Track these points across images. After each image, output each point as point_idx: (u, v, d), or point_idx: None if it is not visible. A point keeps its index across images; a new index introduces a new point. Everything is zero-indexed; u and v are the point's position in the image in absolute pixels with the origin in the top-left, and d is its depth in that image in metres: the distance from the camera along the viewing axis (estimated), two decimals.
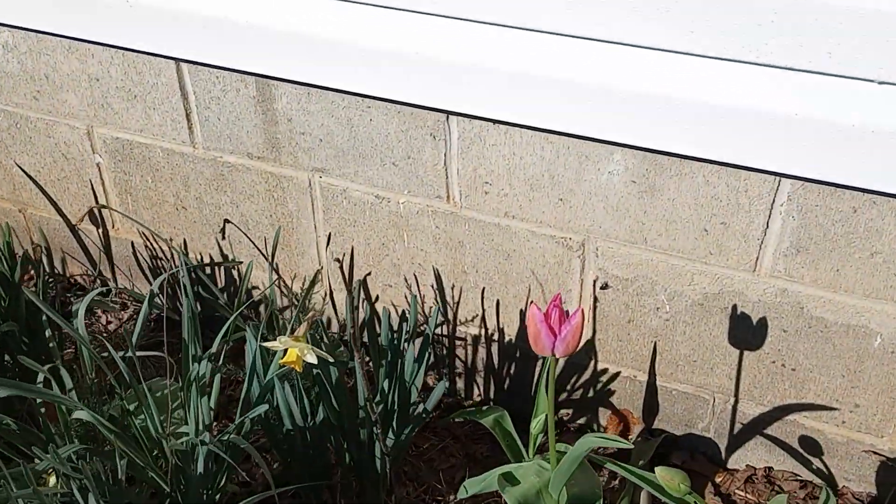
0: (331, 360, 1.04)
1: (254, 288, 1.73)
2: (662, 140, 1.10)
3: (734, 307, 1.28)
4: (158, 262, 1.79)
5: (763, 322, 1.28)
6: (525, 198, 1.31)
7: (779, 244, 1.18)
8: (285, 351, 1.01)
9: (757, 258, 1.21)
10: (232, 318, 1.27)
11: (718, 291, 1.27)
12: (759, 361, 1.33)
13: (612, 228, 1.28)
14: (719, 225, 1.20)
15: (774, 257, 1.20)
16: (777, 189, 1.13)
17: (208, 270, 1.75)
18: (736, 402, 1.40)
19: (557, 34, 1.08)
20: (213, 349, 1.23)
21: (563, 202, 1.28)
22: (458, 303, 1.52)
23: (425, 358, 1.29)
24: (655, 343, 1.39)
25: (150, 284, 1.85)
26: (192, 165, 1.56)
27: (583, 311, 0.92)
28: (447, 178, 1.35)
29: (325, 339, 1.58)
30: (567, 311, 0.94)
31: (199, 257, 1.73)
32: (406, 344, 1.30)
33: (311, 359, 0.99)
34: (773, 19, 0.93)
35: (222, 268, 1.73)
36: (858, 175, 1.00)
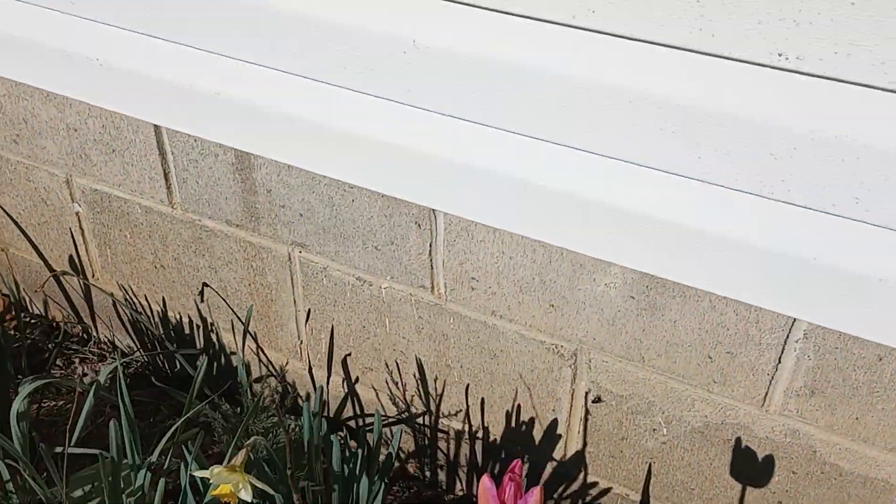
0: (272, 492, 0.93)
1: (232, 353, 1.64)
2: (664, 268, 0.98)
3: (738, 440, 1.15)
4: (138, 315, 1.72)
5: (770, 460, 1.15)
6: (514, 299, 1.20)
7: (791, 382, 1.05)
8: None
9: (766, 394, 1.08)
10: (181, 421, 1.17)
11: (721, 422, 1.15)
12: (764, 499, 1.19)
13: (606, 342, 1.16)
14: (725, 354, 1.08)
15: (786, 395, 1.07)
16: (792, 326, 1.00)
17: (187, 330, 1.67)
18: None
19: (550, 142, 0.97)
20: (154, 457, 1.13)
21: (554, 308, 1.17)
22: (440, 395, 1.41)
23: (380, 487, 1.17)
24: (650, 465, 1.27)
25: (130, 337, 1.78)
26: (171, 226, 1.47)
27: (541, 490, 0.80)
28: (432, 268, 1.24)
29: (303, 422, 1.48)
30: (524, 483, 0.82)
31: (177, 316, 1.65)
32: (362, 469, 1.19)
33: (246, 496, 0.89)
34: (792, 154, 0.81)
35: (200, 329, 1.64)
36: (881, 330, 0.87)
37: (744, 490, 1.20)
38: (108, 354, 1.84)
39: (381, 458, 1.24)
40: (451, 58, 0.96)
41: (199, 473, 0.92)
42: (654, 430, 1.21)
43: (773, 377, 1.06)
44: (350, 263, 1.31)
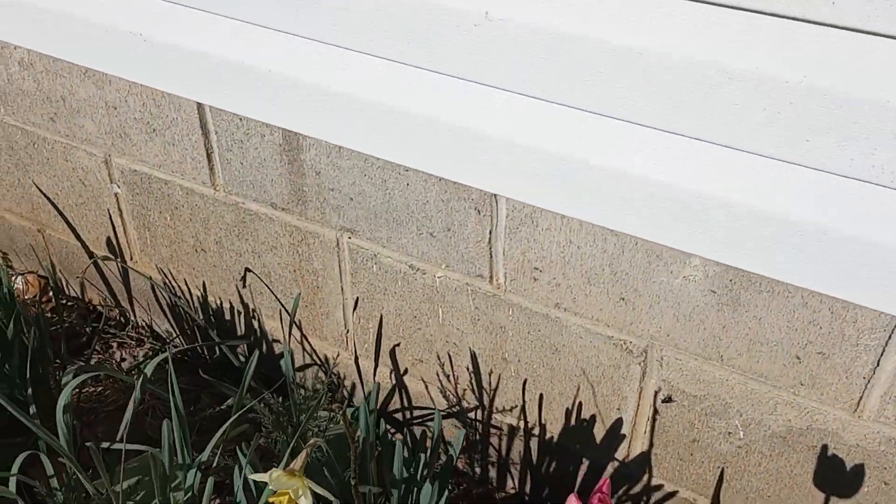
0: (331, 498, 0.88)
1: (275, 341, 1.59)
2: (752, 261, 0.91)
3: (825, 447, 1.08)
4: (177, 299, 1.67)
5: (860, 470, 1.07)
6: (581, 291, 1.12)
7: (891, 387, 0.97)
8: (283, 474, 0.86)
9: (860, 398, 1.00)
10: (231, 420, 1.12)
11: (807, 427, 1.07)
12: None
13: (681, 339, 1.08)
14: (815, 354, 1.00)
15: (883, 401, 0.99)
16: (895, 327, 0.92)
17: (228, 316, 1.62)
18: None
19: (632, 122, 0.89)
20: (205, 455, 1.08)
21: (625, 302, 1.10)
22: (495, 390, 1.34)
23: (444, 491, 1.11)
24: (723, 469, 1.19)
25: (169, 322, 1.74)
26: (213, 208, 1.42)
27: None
28: (491, 257, 1.17)
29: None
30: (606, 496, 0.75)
31: (218, 302, 1.60)
32: (423, 474, 1.13)
33: (306, 503, 0.84)
34: None
35: (241, 315, 1.60)
36: None
37: (827, 500, 1.13)
38: (146, 339, 1.80)
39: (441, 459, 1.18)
40: (528, 33, 0.89)
41: (256, 477, 0.86)
42: (730, 433, 1.14)
43: (869, 381, 0.98)
44: (402, 250, 1.25)
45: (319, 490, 0.86)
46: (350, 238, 1.30)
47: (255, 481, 1.06)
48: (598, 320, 1.14)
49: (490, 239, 1.15)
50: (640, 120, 0.90)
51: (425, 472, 1.09)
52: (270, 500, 0.85)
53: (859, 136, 0.77)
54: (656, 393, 1.17)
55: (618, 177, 0.93)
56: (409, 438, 1.51)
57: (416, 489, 1.08)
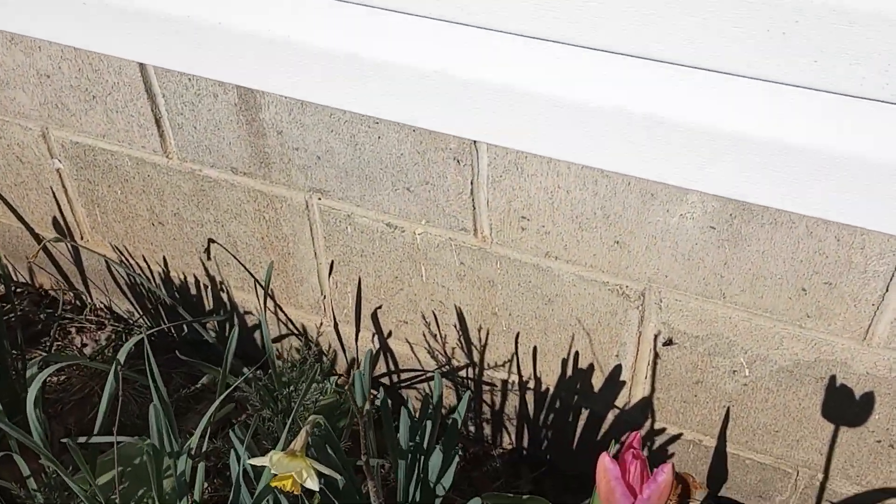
0: (338, 477, 0.85)
1: (246, 313, 1.55)
2: (754, 192, 0.88)
3: (833, 378, 1.08)
4: (137, 277, 1.62)
5: (869, 397, 1.07)
6: (572, 238, 1.10)
7: None
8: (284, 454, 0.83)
9: (869, 326, 1.00)
10: (217, 402, 1.08)
11: (814, 359, 1.07)
12: (861, 439, 1.13)
13: (680, 279, 1.07)
14: (822, 285, 0.99)
15: (893, 327, 0.98)
16: None
17: (193, 291, 1.57)
18: (825, 478, 1.21)
19: (611, 52, 0.86)
20: (194, 441, 1.05)
21: (619, 245, 1.07)
22: (485, 346, 1.32)
23: (454, 458, 1.09)
24: (728, 408, 1.19)
25: (129, 301, 1.68)
26: (167, 178, 1.36)
27: (672, 466, 0.72)
28: (474, 209, 1.14)
29: (332, 387, 1.41)
30: (647, 461, 0.73)
31: (181, 277, 1.55)
32: (431, 441, 1.10)
33: (312, 485, 0.81)
34: None
35: (209, 289, 1.55)
36: None
37: (836, 430, 1.14)
38: (106, 322, 1.74)
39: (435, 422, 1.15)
40: None
41: (256, 462, 0.83)
42: (735, 371, 1.14)
43: (878, 308, 0.98)
44: (378, 208, 1.21)
45: (325, 470, 0.83)
46: (320, 199, 1.25)
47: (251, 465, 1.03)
48: (592, 267, 1.12)
49: (472, 190, 1.11)
50: (630, 49, 0.86)
51: (431, 439, 1.07)
52: (273, 483, 0.82)
53: (871, 53, 0.75)
54: (656, 337, 1.15)
55: (607, 112, 0.89)
56: (407, 405, 1.50)
57: (422, 457, 1.06)
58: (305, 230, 1.31)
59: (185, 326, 1.68)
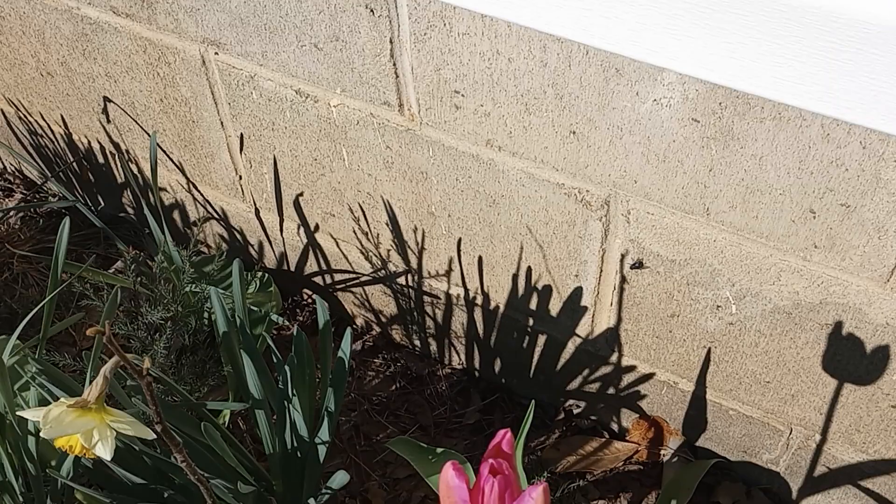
0: (151, 436, 0.67)
1: (161, 190, 1.36)
2: (751, 74, 0.65)
3: (840, 325, 0.86)
4: (38, 138, 1.43)
5: (885, 353, 0.86)
6: (517, 123, 0.87)
7: None
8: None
9: (895, 266, 0.78)
10: (46, 300, 0.90)
11: (819, 301, 0.85)
12: (871, 401, 0.92)
13: (654, 186, 0.85)
14: (837, 206, 0.76)
15: None
16: None
17: (101, 159, 1.38)
18: (823, 441, 1.01)
19: None
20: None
21: (576, 137, 0.85)
22: (422, 250, 1.12)
23: (338, 406, 0.89)
24: (710, 349, 0.99)
25: (36, 162, 1.50)
26: (44, 16, 1.14)
27: (546, 489, 0.51)
28: (397, 77, 0.91)
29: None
30: (516, 475, 0.52)
31: (85, 141, 1.36)
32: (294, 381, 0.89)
33: (103, 452, 0.63)
34: None
35: (116, 157, 1.36)
36: None
37: (840, 388, 0.93)
38: (15, 189, 1.57)
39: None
40: None
41: (29, 415, 0.65)
42: (719, 307, 0.93)
43: None
44: (284, 70, 0.99)
45: (129, 429, 0.64)
46: (217, 54, 1.03)
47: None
48: (544, 162, 0.90)
49: (392, 51, 0.88)
50: None
51: (297, 381, 0.88)
52: (58, 444, 0.65)
53: None
54: (623, 257, 0.94)
55: None
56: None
57: (288, 404, 0.87)
58: (206, 93, 1.10)
59: (101, 200, 1.50)
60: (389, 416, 1.28)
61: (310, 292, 1.38)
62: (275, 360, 0.93)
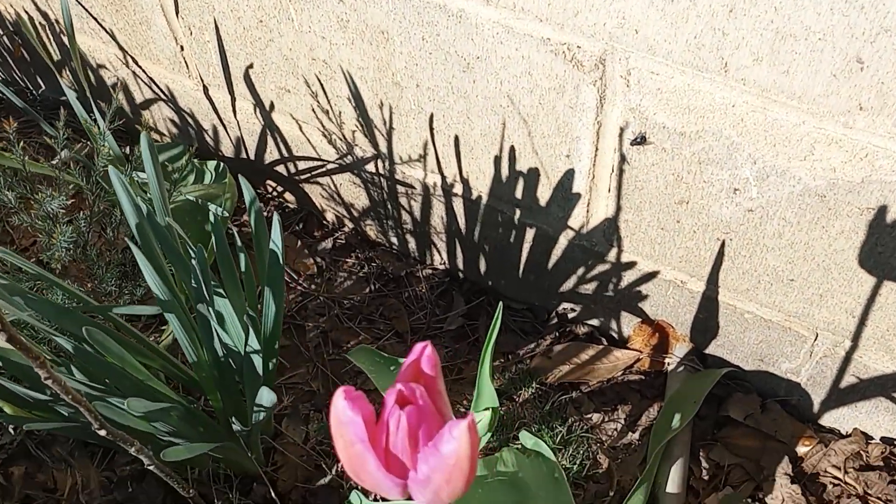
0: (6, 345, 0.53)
1: (101, 67, 1.21)
2: None
3: (883, 209, 0.72)
4: None
5: None
6: None
7: None
8: None
9: None
10: None
11: (861, 179, 0.70)
12: None
13: (659, 36, 0.69)
14: (894, 51, 0.60)
15: None
16: None
17: (32, 32, 1.22)
18: (854, 347, 0.88)
19: None
20: None
21: None
22: (391, 129, 0.97)
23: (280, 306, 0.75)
24: (724, 242, 0.85)
25: None
26: None
27: (472, 423, 0.36)
28: None
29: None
30: (430, 405, 0.38)
31: (11, 11, 1.20)
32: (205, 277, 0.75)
33: None
34: None
35: (47, 30, 1.20)
36: None
37: (878, 285, 0.79)
38: None
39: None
40: None
41: None
42: (737, 190, 0.78)
43: None
44: None
45: None
46: None
47: None
48: (525, 10, 0.73)
49: None
50: None
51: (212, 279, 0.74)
52: None
53: None
54: (622, 130, 0.79)
55: None
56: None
57: (211, 308, 0.74)
58: None
59: (41, 82, 1.35)
60: (362, 321, 1.15)
61: (274, 184, 1.24)
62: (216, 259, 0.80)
